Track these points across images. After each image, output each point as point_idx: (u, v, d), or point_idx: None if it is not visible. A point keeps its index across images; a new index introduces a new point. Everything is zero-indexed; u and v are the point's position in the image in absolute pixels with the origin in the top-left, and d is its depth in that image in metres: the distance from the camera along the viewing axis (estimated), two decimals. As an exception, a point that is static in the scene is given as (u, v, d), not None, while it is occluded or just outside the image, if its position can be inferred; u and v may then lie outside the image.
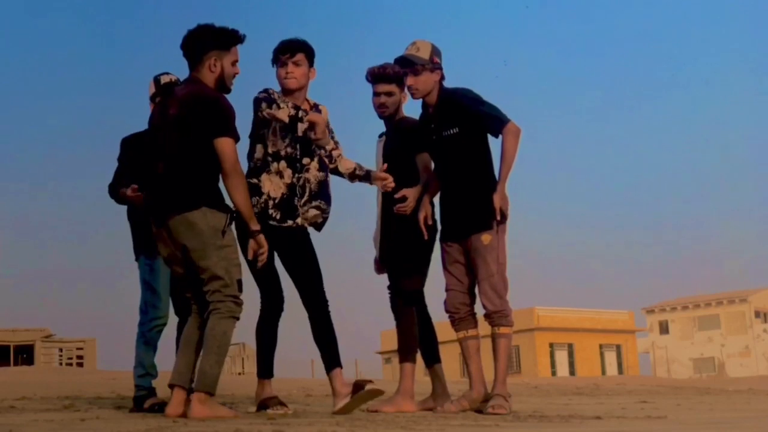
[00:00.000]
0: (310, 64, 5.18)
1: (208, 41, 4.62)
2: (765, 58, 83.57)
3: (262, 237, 4.70)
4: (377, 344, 51.12)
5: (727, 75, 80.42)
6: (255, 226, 4.68)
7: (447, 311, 5.44)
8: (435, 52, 5.36)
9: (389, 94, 5.43)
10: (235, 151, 4.58)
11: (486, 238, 5.23)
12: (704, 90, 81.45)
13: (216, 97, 4.60)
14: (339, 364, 5.05)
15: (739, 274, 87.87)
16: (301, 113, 5.04)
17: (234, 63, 4.67)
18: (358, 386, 4.96)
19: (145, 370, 5.43)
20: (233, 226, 4.66)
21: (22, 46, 69.41)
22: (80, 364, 34.64)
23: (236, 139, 4.60)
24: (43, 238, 65.70)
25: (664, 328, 63.82)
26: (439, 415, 5.08)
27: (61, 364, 35.35)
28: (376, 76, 5.42)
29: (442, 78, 5.41)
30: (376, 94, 5.46)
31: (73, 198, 66.14)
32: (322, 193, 5.14)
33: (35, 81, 69.34)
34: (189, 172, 4.57)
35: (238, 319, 4.57)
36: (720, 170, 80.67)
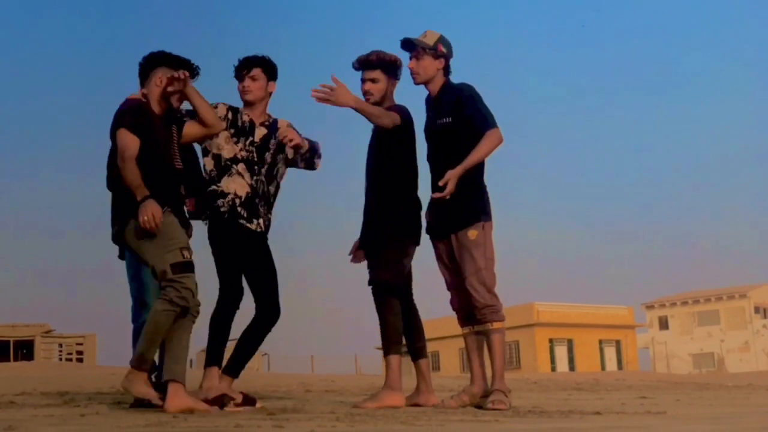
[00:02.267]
0: (270, 78, 5.43)
1: (159, 59, 4.89)
2: (765, 54, 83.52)
3: (151, 202, 4.55)
4: (376, 339, 51.11)
5: (727, 71, 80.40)
6: (143, 193, 4.56)
7: (454, 309, 5.44)
8: (442, 41, 5.40)
9: (374, 80, 5.42)
10: (131, 143, 4.62)
11: (472, 233, 5.23)
12: (704, 86, 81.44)
13: (126, 100, 4.79)
14: (237, 376, 5.24)
15: (739, 270, 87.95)
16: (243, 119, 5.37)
17: None
18: (247, 400, 5.14)
19: None
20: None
21: (18, 44, 69.34)
22: (80, 360, 34.65)
23: (134, 132, 4.65)
24: (43, 234, 65.70)
25: (663, 324, 63.85)
26: (439, 410, 5.08)
27: (61, 359, 35.34)
28: (361, 62, 5.44)
29: (447, 70, 5.44)
30: (362, 80, 5.47)
31: (72, 194, 66.12)
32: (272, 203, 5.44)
33: (35, 80, 69.28)
34: (118, 184, 4.69)
35: (171, 301, 4.50)
36: (719, 166, 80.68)
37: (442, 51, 5.39)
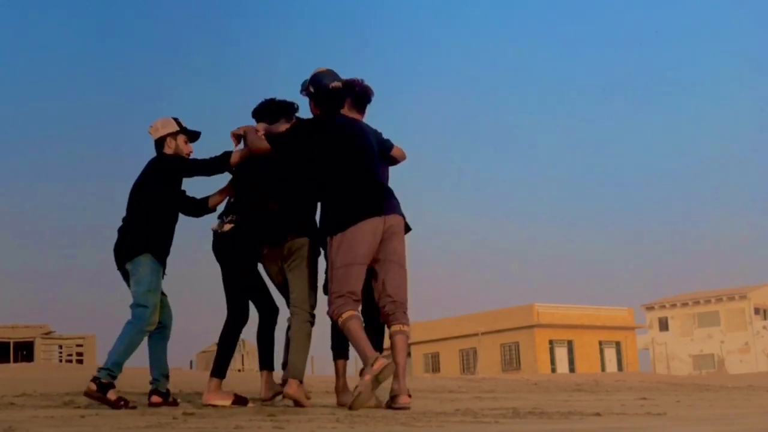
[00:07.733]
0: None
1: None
2: (764, 55, 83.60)
3: None
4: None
5: (726, 72, 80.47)
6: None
7: None
8: (312, 80, 5.52)
9: None
10: None
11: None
12: (703, 87, 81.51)
13: None
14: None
15: (739, 271, 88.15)
16: None
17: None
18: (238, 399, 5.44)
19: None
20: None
21: (19, 45, 69.40)
22: (80, 361, 34.63)
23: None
24: (43, 236, 65.76)
25: (663, 325, 63.86)
26: (438, 411, 5.08)
27: (60, 360, 35.35)
28: None
29: (325, 104, 5.47)
30: None
31: (73, 196, 66.23)
32: None
33: (40, 81, 69.34)
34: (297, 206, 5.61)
35: (311, 322, 5.44)
36: (719, 167, 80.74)
37: (310, 91, 5.52)
